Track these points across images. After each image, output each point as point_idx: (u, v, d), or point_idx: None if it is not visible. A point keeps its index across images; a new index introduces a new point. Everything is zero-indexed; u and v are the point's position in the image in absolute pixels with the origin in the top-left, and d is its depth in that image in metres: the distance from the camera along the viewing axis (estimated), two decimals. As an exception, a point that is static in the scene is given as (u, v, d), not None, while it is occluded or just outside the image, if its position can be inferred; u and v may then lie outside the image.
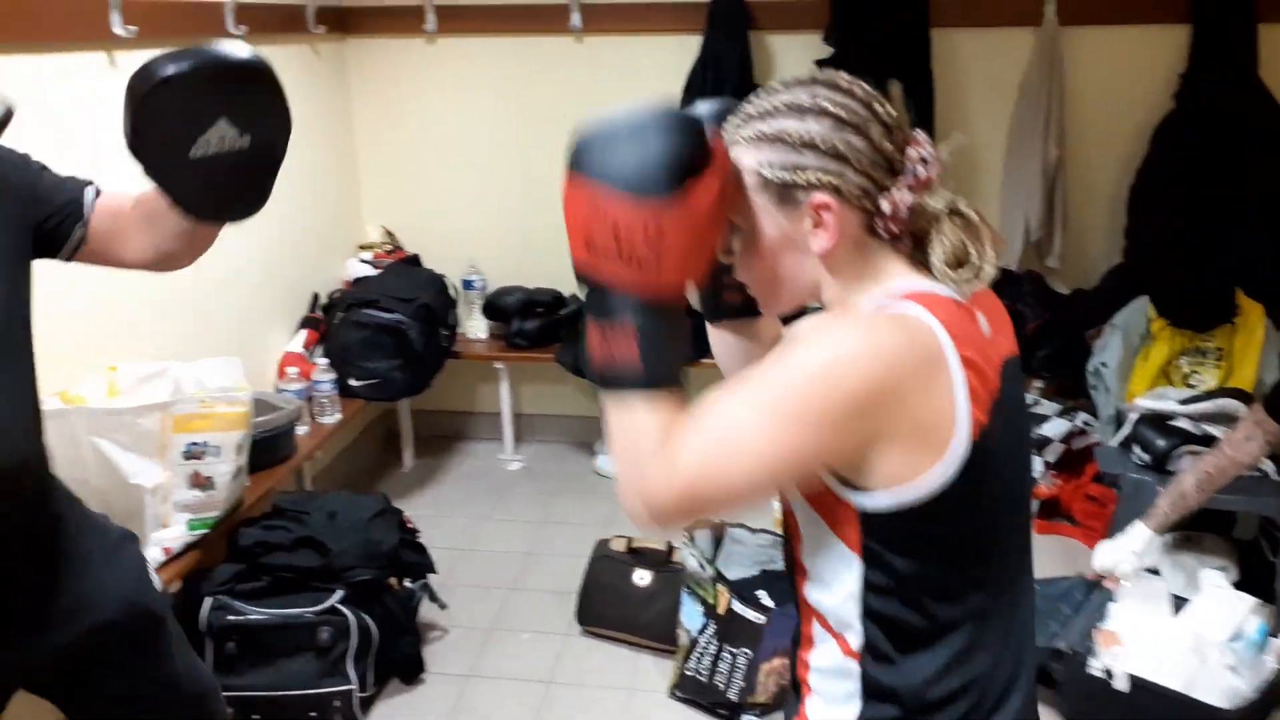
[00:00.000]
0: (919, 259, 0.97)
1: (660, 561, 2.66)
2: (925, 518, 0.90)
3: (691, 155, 0.88)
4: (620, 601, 2.63)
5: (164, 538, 2.12)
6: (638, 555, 2.68)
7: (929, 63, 3.18)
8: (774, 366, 0.88)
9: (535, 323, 3.54)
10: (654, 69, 3.38)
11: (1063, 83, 3.20)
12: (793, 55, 3.32)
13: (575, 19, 3.38)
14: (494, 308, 3.60)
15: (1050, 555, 2.82)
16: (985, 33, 3.26)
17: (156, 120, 1.22)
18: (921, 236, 0.96)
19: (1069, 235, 3.29)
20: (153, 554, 2.08)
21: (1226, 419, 2.62)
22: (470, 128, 3.62)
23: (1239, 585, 2.42)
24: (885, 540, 0.92)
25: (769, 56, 3.37)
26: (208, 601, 2.24)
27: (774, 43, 3.36)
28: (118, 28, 2.33)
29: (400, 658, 2.47)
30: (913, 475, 0.88)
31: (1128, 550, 2.19)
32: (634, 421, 0.89)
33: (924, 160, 0.94)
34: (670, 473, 0.86)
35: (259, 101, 1.31)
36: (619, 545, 2.71)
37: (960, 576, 0.95)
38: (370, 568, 2.38)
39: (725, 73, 3.21)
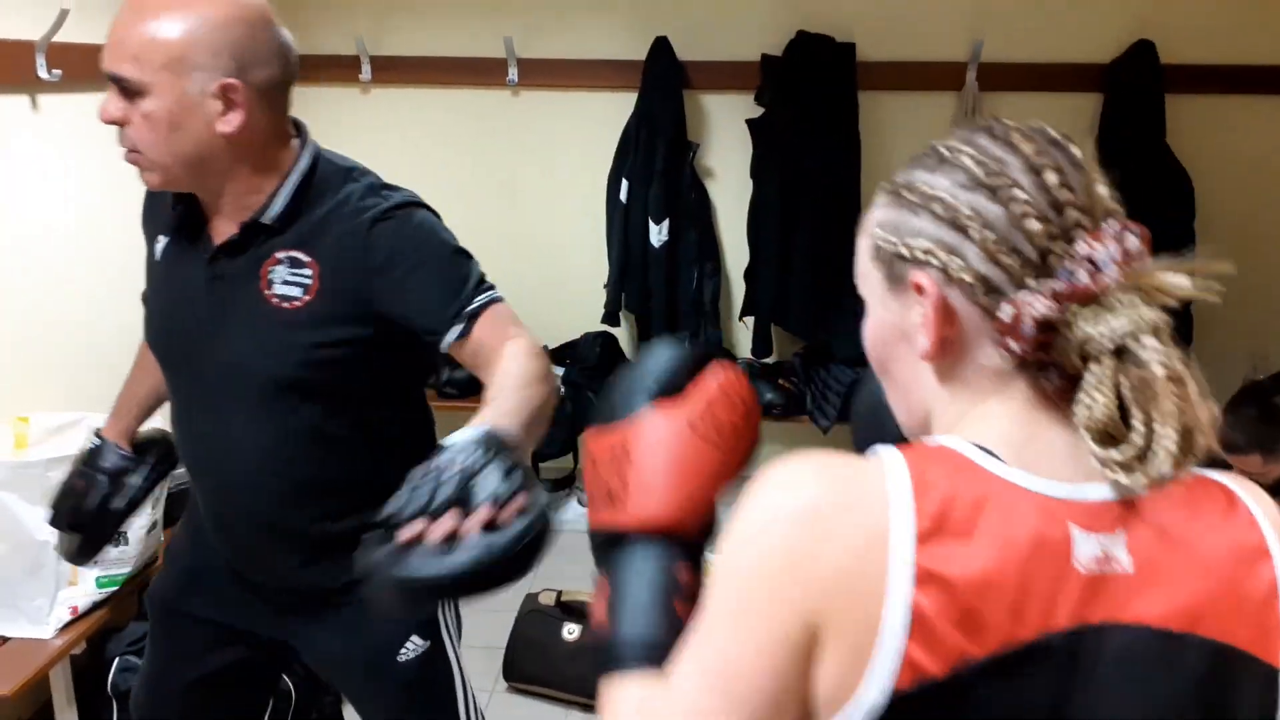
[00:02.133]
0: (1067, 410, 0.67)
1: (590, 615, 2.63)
2: None
3: (665, 376, 0.78)
4: (548, 656, 2.59)
5: (71, 596, 2.02)
6: (567, 609, 2.65)
7: (856, 124, 3.27)
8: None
9: (465, 371, 3.50)
10: (591, 124, 3.41)
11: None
12: (726, 114, 3.39)
13: (512, 73, 3.40)
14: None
15: None
16: (910, 96, 3.38)
17: None
18: (1076, 377, 0.66)
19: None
20: (58, 614, 1.99)
21: None
22: (403, 179, 3.56)
23: None
24: None
25: (703, 115, 3.44)
26: (116, 662, 2.14)
27: (708, 101, 3.43)
28: (42, 72, 2.29)
29: (320, 718, 2.38)
30: (845, 694, 0.63)
31: None
32: (606, 706, 0.70)
33: (1092, 263, 0.64)
34: None
35: None
36: (548, 599, 2.67)
37: None
38: (290, 625, 2.30)
39: (659, 130, 3.25)
